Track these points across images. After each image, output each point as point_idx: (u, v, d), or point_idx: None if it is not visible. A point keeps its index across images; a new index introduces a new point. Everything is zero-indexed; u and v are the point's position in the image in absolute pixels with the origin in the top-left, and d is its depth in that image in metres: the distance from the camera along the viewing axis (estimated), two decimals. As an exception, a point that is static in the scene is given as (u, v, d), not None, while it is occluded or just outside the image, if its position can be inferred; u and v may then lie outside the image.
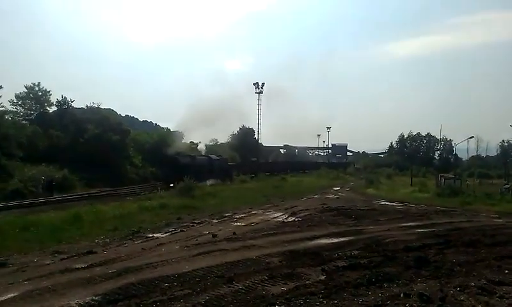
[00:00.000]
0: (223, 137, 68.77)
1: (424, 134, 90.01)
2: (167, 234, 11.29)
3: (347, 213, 15.02)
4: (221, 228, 12.05)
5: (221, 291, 5.64)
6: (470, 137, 47.28)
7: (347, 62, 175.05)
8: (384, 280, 6.02)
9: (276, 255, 7.87)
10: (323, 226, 12.22)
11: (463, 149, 68.21)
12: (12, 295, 5.79)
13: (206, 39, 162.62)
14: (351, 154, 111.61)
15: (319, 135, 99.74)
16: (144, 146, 44.39)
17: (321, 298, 5.29)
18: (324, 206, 17.70)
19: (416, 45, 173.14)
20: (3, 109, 33.24)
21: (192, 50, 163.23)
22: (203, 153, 42.34)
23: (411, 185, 36.85)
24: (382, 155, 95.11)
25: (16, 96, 39.03)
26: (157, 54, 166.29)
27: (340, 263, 7.18)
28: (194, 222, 13.27)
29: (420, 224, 12.76)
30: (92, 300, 5.33)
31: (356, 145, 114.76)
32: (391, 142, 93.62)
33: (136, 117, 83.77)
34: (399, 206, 19.87)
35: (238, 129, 69.70)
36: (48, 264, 7.98)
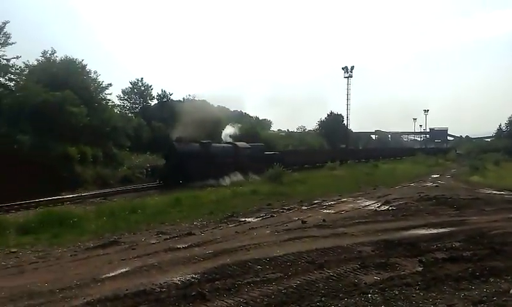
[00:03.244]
0: (310, 124, 68.33)
1: (540, 114, 78.88)
2: (258, 219, 11.67)
3: (447, 203, 13.95)
4: (310, 214, 12.07)
5: (312, 277, 5.68)
6: None
7: (447, 34, 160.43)
8: (490, 275, 5.51)
9: (369, 244, 7.66)
10: (420, 215, 11.53)
11: None
12: (124, 269, 6.51)
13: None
14: (452, 139, 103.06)
15: (414, 119, 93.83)
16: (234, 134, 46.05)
17: (418, 290, 5.04)
18: (422, 194, 16.63)
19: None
20: (112, 103, 37.19)
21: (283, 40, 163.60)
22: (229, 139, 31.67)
23: (525, 172, 32.77)
24: (488, 139, 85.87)
25: (123, 92, 43.31)
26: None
27: (440, 255, 6.73)
28: (284, 208, 13.50)
29: (535, 216, 11.34)
30: (192, 277, 5.75)
31: (457, 129, 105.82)
32: (499, 125, 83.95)
33: (226, 107, 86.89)
34: (508, 195, 17.85)
35: (326, 115, 68.82)
36: (153, 243, 8.82)
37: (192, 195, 16.41)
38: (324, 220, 10.65)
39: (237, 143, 29.69)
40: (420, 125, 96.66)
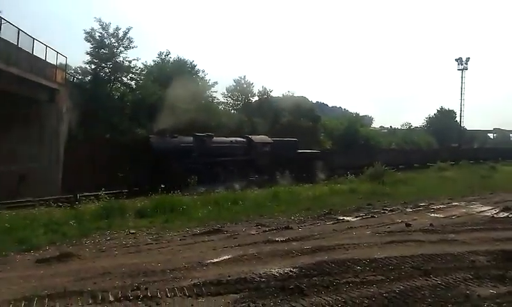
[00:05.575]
0: (417, 121, 64.00)
1: None
2: (357, 218, 11.33)
3: None
4: (415, 217, 11.33)
5: (417, 283, 5.35)
6: None
7: None
8: None
9: (484, 253, 6.93)
10: (549, 226, 10.06)
11: None
12: (227, 257, 6.84)
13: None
14: None
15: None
16: (333, 132, 45.21)
17: (545, 310, 4.43)
18: (551, 202, 14.46)
19: None
20: (218, 101, 39.58)
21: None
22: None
23: None
24: None
25: (227, 89, 45.50)
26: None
27: None
28: (386, 209, 12.87)
29: None
30: (290, 271, 5.83)
31: None
32: None
33: (325, 103, 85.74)
34: None
35: (435, 111, 63.78)
36: (253, 234, 9.15)
37: (289, 190, 16.61)
38: (431, 225, 9.91)
39: (253, 137, 24.68)
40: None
